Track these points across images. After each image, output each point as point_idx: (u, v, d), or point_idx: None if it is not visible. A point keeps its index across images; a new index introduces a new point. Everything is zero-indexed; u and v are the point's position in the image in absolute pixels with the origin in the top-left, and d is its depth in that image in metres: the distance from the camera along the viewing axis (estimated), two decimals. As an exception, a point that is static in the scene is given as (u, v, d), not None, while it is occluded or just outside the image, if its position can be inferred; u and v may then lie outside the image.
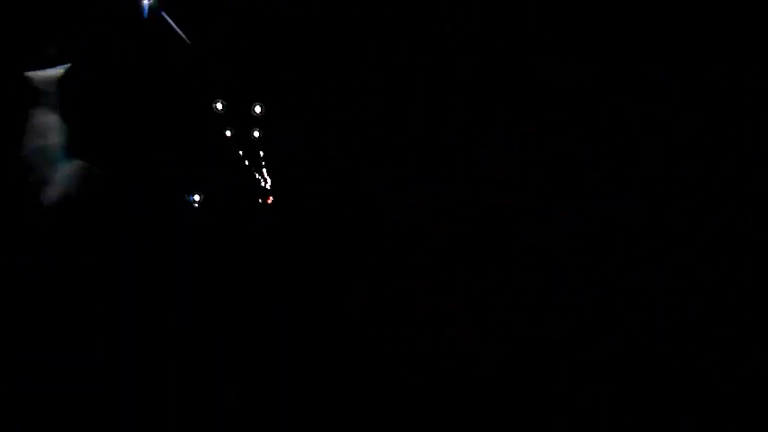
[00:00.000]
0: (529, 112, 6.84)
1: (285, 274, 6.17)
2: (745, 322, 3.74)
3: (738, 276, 4.22)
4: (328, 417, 2.39)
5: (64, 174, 4.94)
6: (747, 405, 2.61)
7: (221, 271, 5.99)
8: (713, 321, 3.82)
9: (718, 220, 4.59)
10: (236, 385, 2.64)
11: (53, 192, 4.83)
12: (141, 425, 2.23)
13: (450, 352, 3.35)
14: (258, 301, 4.85)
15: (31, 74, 4.59)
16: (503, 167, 7.03)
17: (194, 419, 2.32)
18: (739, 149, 4.57)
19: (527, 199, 6.70)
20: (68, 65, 4.74)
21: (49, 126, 4.82)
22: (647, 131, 5.42)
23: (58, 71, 4.68)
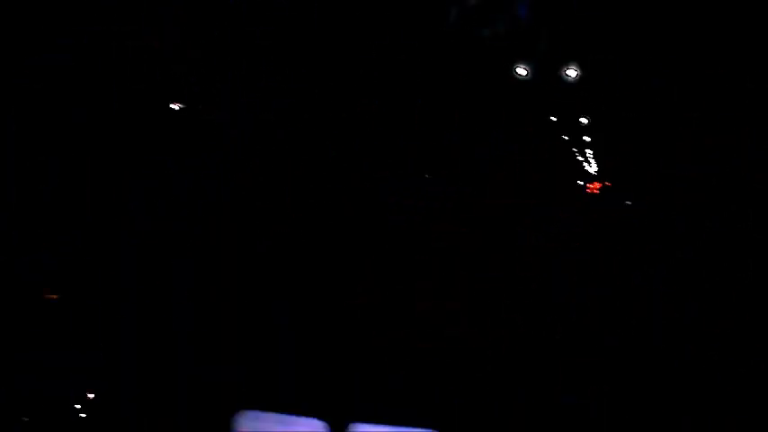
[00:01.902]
0: (529, 113, 6.84)
1: (285, 274, 6.17)
2: (746, 322, 3.75)
3: (738, 276, 4.22)
4: (328, 417, 2.39)
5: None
6: (747, 405, 2.61)
7: (222, 271, 5.99)
8: (713, 321, 3.83)
9: (718, 220, 4.59)
10: (236, 385, 2.64)
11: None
12: (141, 424, 2.22)
13: (451, 352, 3.35)
14: (258, 301, 4.84)
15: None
16: (503, 167, 7.03)
17: (194, 419, 2.32)
18: (739, 149, 4.57)
19: (527, 199, 6.70)
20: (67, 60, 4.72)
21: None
22: (647, 131, 5.42)
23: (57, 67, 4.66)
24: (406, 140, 7.24)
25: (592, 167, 6.31)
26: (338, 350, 3.32)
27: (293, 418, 2.37)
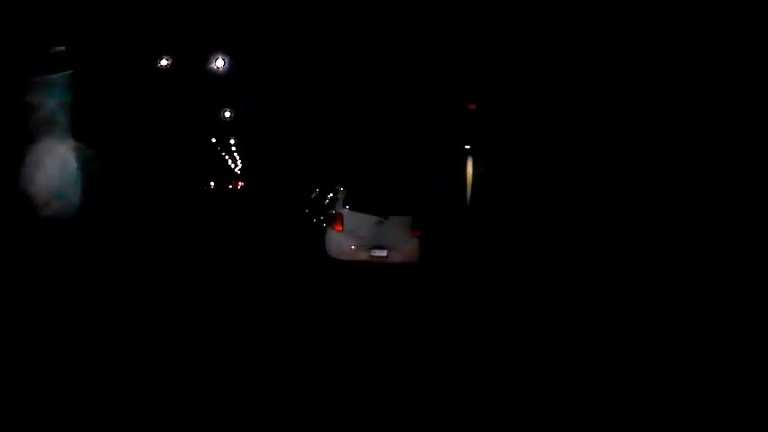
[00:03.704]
0: (528, 113, 6.84)
1: (285, 273, 6.19)
2: (745, 322, 3.75)
3: (738, 276, 4.23)
4: (327, 417, 2.39)
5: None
6: (747, 405, 2.61)
7: (221, 269, 6.02)
8: (713, 321, 3.84)
9: (718, 220, 4.59)
10: (235, 383, 2.65)
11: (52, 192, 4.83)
12: (139, 422, 2.23)
13: (450, 351, 3.36)
14: (257, 296, 4.84)
15: (33, 78, 4.59)
16: (501, 165, 7.04)
17: (194, 418, 2.32)
18: (739, 149, 4.57)
19: (527, 198, 6.71)
20: (68, 71, 4.74)
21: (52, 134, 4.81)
22: (647, 131, 5.43)
23: (57, 76, 4.68)
24: (406, 140, 7.23)
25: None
26: (337, 349, 3.33)
27: None
